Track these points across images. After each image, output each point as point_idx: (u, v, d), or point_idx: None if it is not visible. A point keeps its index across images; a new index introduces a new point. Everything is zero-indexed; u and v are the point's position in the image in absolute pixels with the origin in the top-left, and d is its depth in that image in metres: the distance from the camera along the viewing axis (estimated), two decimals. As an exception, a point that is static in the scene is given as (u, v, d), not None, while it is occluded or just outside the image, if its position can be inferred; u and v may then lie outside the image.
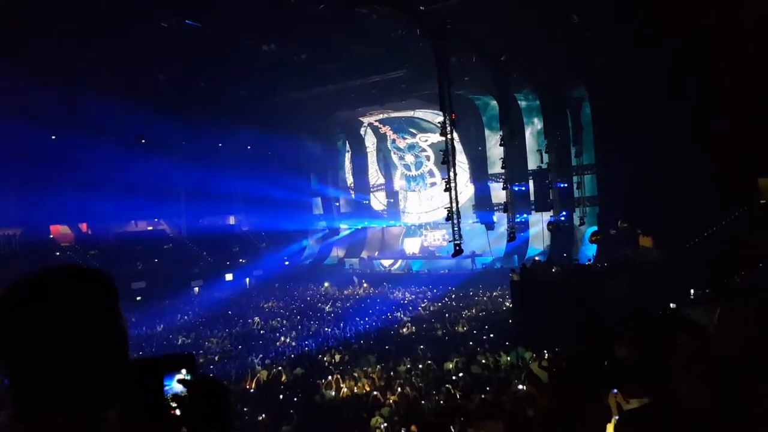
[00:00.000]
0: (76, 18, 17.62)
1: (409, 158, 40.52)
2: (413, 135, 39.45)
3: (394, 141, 40.63)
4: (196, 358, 1.58)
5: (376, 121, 39.74)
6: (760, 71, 18.24)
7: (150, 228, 35.14)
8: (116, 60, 21.35)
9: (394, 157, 41.27)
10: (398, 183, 41.55)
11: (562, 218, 28.03)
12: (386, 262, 38.40)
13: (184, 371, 1.49)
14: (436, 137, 33.43)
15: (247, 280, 34.37)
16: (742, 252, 16.54)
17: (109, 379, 1.25)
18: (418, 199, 40.45)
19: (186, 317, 26.04)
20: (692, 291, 14.04)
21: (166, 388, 1.45)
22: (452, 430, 7.73)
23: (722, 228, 19.58)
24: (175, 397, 1.45)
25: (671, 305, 13.30)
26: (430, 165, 39.10)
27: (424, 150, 39.33)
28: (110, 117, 23.98)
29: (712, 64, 19.41)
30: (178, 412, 1.43)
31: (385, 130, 40.45)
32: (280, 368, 15.27)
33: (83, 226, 31.72)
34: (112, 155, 26.11)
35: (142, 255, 31.25)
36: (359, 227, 41.18)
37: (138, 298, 27.62)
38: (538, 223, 29.69)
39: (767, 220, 18.55)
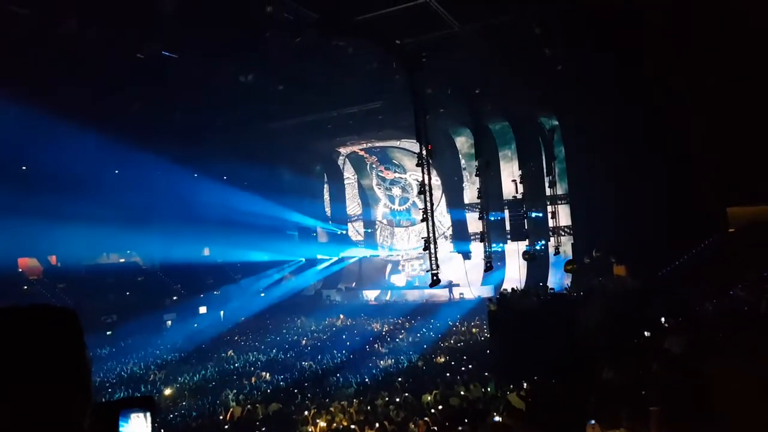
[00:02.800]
0: (49, 45, 17.50)
1: (396, 191, 40.52)
2: (402, 170, 39.53)
3: (380, 172, 40.69)
4: (155, 401, 1.53)
5: (361, 150, 39.85)
6: (730, 105, 18.95)
7: (122, 260, 34.38)
8: (89, 89, 21.18)
9: (377, 189, 41.27)
10: (380, 214, 41.51)
11: (538, 247, 28.33)
12: (367, 294, 38.12)
13: (142, 415, 1.44)
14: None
15: (222, 312, 33.71)
16: (712, 279, 16.87)
17: (70, 420, 1.20)
18: (407, 235, 40.11)
19: (158, 351, 25.34)
20: (663, 319, 14.20)
21: (123, 430, 1.40)
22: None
23: (693, 256, 20.00)
24: None
25: (646, 333, 13.40)
26: (415, 198, 39.09)
27: (410, 184, 39.37)
28: (81, 146, 23.61)
29: (683, 97, 20.08)
30: None
31: (372, 160, 40.58)
32: (255, 404, 14.90)
33: (52, 259, 30.87)
34: (83, 185, 25.62)
35: (113, 288, 30.47)
36: (337, 258, 40.95)
37: (108, 333, 26.86)
38: (514, 253, 29.92)
39: (736, 249, 18.99)
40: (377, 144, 38.34)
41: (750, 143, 18.74)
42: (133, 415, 1.44)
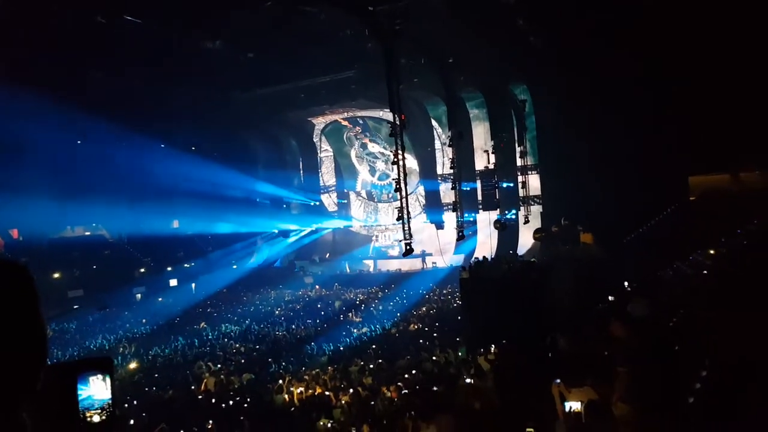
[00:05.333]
0: (4, 10, 16.71)
1: (380, 165, 40.07)
2: (385, 145, 39.09)
3: (364, 144, 40.21)
4: (113, 362, 1.53)
5: (343, 119, 39.29)
6: (691, 77, 19.35)
7: (88, 233, 33.65)
8: (50, 56, 20.36)
9: (357, 162, 40.81)
10: (359, 185, 41.28)
11: (509, 216, 28.78)
12: (341, 264, 38.30)
13: (101, 377, 1.44)
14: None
15: (193, 285, 33.48)
16: (673, 246, 17.48)
17: (22, 376, 1.17)
18: (391, 209, 39.49)
19: (128, 325, 25.13)
20: (626, 284, 14.68)
21: (83, 392, 1.39)
22: (404, 427, 7.80)
23: (656, 224, 20.63)
24: (94, 404, 1.40)
25: (610, 298, 13.87)
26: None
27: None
28: (43, 116, 22.80)
29: (646, 70, 20.40)
30: (95, 419, 1.38)
31: (356, 131, 40.07)
32: (229, 374, 14.99)
33: (14, 233, 30.01)
34: (46, 156, 24.82)
35: (79, 261, 29.89)
36: (310, 229, 40.85)
37: (75, 307, 26.44)
38: (486, 222, 30.33)
39: (696, 216, 19.66)
40: (359, 113, 37.85)
41: (710, 115, 19.24)
42: (92, 378, 1.44)
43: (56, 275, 27.77)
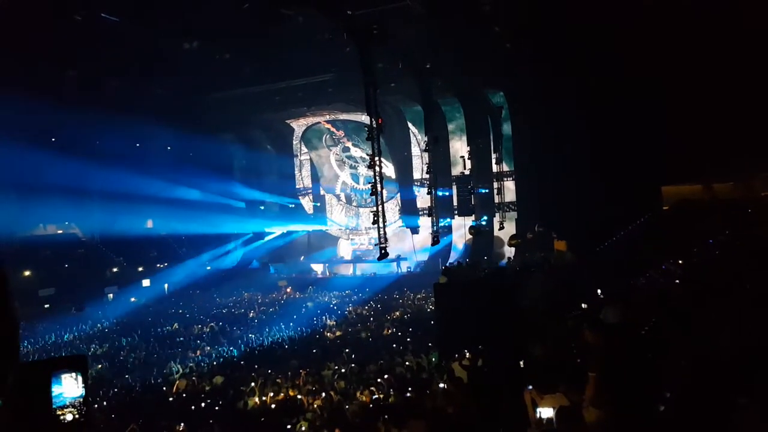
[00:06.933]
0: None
1: (362, 170, 39.91)
2: (368, 153, 38.85)
3: (347, 147, 40.03)
4: (87, 360, 1.54)
5: (326, 122, 39.09)
6: (666, 88, 19.77)
7: (60, 231, 32.95)
8: (26, 53, 19.87)
9: (337, 165, 40.64)
10: (338, 188, 41.11)
11: (483, 222, 29.04)
12: (315, 267, 38.15)
13: (74, 375, 1.45)
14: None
15: (166, 286, 33.00)
16: (646, 255, 17.77)
17: None
18: (371, 215, 39.06)
19: (99, 325, 24.67)
20: (599, 291, 14.87)
21: (56, 390, 1.40)
22: (376, 431, 7.80)
23: (629, 233, 20.96)
24: (66, 402, 1.41)
25: (583, 305, 14.04)
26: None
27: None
28: (16, 113, 22.24)
29: (622, 79, 20.78)
30: (68, 417, 1.38)
31: (339, 134, 39.88)
32: (201, 376, 14.83)
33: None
34: (18, 153, 24.16)
35: (50, 260, 29.27)
36: (285, 231, 40.61)
37: (46, 306, 25.94)
38: (461, 227, 30.57)
39: (669, 225, 20.02)
40: (341, 116, 37.73)
41: (685, 125, 19.67)
42: (65, 376, 1.44)
43: (27, 273, 27.18)
